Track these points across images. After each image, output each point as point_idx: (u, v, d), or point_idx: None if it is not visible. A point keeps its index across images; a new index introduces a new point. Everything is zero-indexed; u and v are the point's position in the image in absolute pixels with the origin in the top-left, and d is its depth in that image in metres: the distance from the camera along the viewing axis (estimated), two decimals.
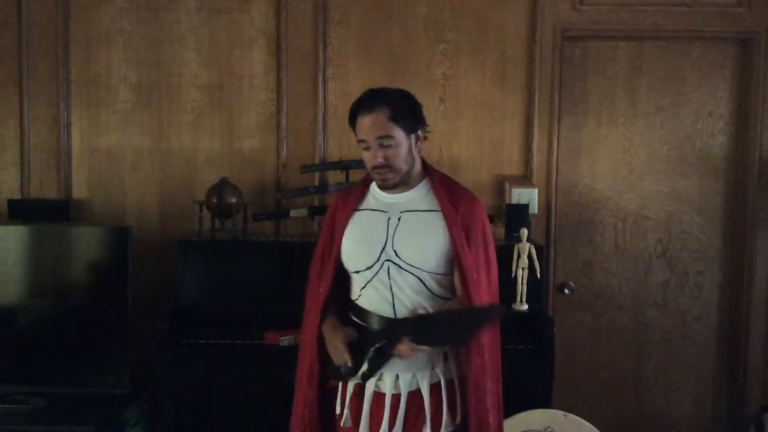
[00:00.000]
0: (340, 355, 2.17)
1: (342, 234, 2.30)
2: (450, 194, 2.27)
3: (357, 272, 2.26)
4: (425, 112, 3.60)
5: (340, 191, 2.55)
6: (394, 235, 2.23)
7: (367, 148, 2.22)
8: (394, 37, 3.59)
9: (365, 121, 2.20)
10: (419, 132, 2.28)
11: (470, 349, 2.19)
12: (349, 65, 3.60)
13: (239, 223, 3.48)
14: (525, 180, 3.59)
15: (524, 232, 3.22)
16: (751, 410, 3.56)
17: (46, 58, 3.59)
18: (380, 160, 2.19)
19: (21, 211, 3.54)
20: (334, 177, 3.55)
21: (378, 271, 2.22)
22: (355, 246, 2.27)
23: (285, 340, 3.01)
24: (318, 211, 3.51)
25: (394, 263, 2.21)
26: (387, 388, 2.22)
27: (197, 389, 3.46)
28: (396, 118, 2.20)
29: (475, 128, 3.60)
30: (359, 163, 3.45)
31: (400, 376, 2.22)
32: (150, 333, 3.08)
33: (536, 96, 3.57)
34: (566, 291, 3.71)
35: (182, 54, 3.61)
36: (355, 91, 3.55)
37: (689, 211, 3.71)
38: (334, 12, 3.58)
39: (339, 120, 3.60)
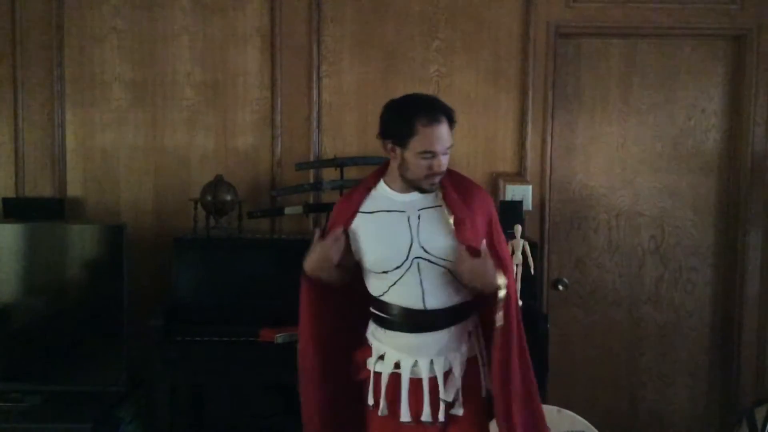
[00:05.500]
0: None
1: (359, 238, 2.32)
2: (457, 187, 2.32)
3: (385, 272, 2.30)
4: None
5: (344, 196, 2.54)
6: (418, 233, 2.28)
7: (428, 157, 2.21)
8: (388, 35, 3.60)
9: (438, 132, 2.21)
10: None
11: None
12: (343, 63, 3.61)
13: (234, 220, 3.48)
14: (519, 177, 3.61)
15: (518, 228, 3.23)
16: (743, 405, 3.58)
17: (40, 56, 3.59)
18: (444, 169, 2.25)
19: (16, 209, 3.54)
20: (329, 174, 3.55)
21: (408, 269, 2.27)
22: (382, 248, 2.30)
23: (280, 337, 3.02)
24: (313, 208, 3.51)
25: (425, 259, 2.27)
26: (424, 373, 2.29)
27: (192, 386, 3.46)
28: (452, 128, 2.26)
29: (469, 125, 3.60)
30: (353, 161, 3.48)
31: (435, 360, 2.29)
32: (145, 331, 3.08)
33: (530, 93, 3.58)
34: (560, 287, 3.73)
35: (176, 52, 3.61)
36: (350, 88, 3.60)
37: (682, 207, 3.73)
38: (328, 9, 3.58)
39: (333, 117, 3.61)
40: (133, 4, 3.59)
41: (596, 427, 3.07)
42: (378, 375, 2.33)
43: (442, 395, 2.28)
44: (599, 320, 3.77)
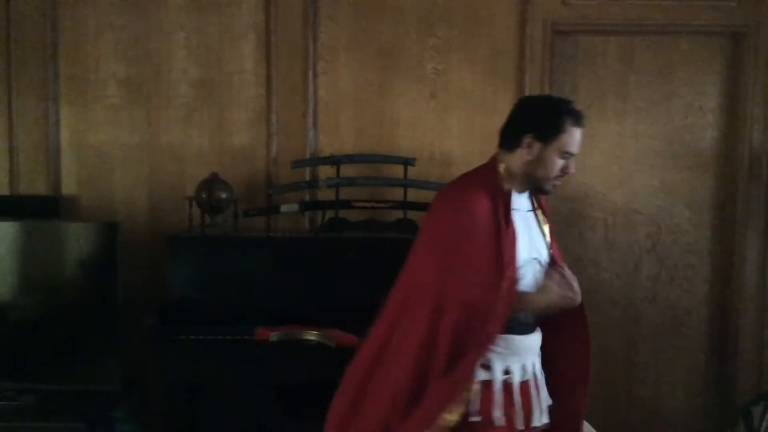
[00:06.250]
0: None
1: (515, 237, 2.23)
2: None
3: None
4: (417, 107, 3.63)
5: (467, 194, 2.28)
6: (531, 233, 2.30)
7: (566, 157, 2.23)
8: (384, 32, 3.58)
9: (578, 135, 2.24)
10: None
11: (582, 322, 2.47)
12: (340, 60, 3.59)
13: (229, 218, 3.47)
14: None
15: None
16: (740, 402, 3.58)
17: (35, 53, 3.57)
18: (573, 172, 2.29)
19: (10, 207, 3.52)
20: (325, 172, 3.54)
21: (528, 268, 2.25)
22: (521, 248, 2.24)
23: (275, 336, 3.01)
24: (309, 206, 3.50)
25: (538, 261, 2.29)
26: (530, 374, 2.30)
27: (188, 385, 3.45)
28: None
29: (466, 123, 3.59)
30: (350, 158, 3.46)
31: (535, 361, 2.33)
32: (140, 329, 3.06)
33: (527, 91, 3.56)
34: None
35: (171, 49, 3.59)
36: (346, 86, 3.59)
37: (679, 205, 3.73)
38: (324, 6, 3.57)
39: (329, 115, 3.60)
40: (128, 1, 3.57)
41: (594, 426, 3.06)
42: (486, 384, 2.22)
43: (545, 397, 2.32)
44: (596, 318, 3.74)
